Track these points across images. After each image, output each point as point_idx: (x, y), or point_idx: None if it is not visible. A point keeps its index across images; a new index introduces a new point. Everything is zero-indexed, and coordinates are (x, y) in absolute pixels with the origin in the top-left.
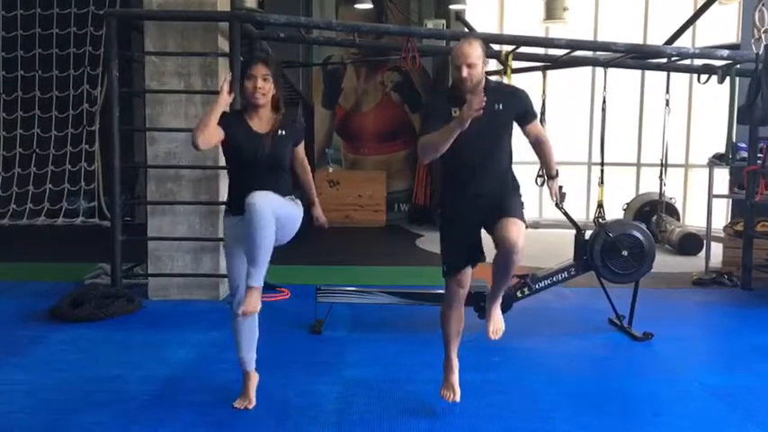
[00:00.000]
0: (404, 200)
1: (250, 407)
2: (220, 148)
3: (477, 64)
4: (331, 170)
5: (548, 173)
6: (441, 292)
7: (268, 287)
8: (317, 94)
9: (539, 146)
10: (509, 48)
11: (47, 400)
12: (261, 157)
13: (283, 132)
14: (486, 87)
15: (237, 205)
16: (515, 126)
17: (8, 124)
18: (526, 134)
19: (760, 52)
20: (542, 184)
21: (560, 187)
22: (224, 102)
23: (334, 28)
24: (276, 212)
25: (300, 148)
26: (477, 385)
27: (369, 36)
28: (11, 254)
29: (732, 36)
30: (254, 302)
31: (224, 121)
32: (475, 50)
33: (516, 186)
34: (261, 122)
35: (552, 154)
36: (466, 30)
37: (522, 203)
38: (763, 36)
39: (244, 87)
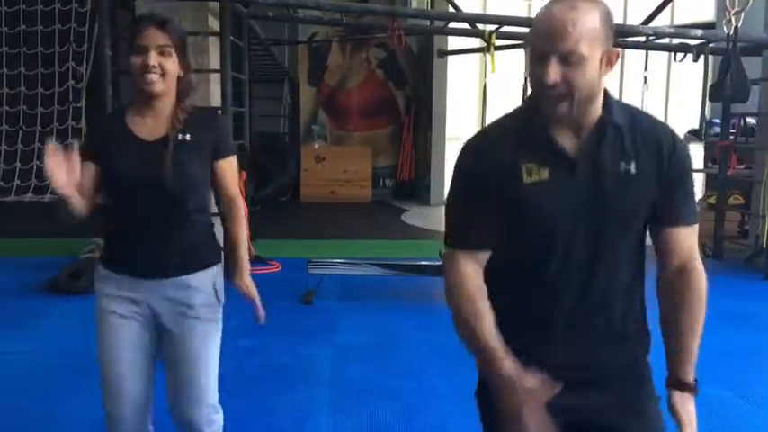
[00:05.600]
0: (389, 175)
1: None
2: None
3: (588, 57)
4: (317, 146)
5: (677, 372)
6: (425, 263)
7: (259, 260)
8: (302, 71)
9: (681, 283)
10: (492, 27)
11: (50, 366)
12: (148, 184)
13: (188, 137)
14: (606, 119)
15: (118, 258)
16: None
17: None
18: (660, 243)
19: (730, 33)
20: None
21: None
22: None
23: (323, 8)
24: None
25: (227, 164)
26: (460, 348)
27: (355, 13)
28: (3, 229)
29: (710, 14)
30: None
31: (93, 139)
32: (583, 22)
33: (651, 379)
34: (155, 123)
35: (703, 318)
36: (450, 8)
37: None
38: (732, 18)
39: (130, 65)
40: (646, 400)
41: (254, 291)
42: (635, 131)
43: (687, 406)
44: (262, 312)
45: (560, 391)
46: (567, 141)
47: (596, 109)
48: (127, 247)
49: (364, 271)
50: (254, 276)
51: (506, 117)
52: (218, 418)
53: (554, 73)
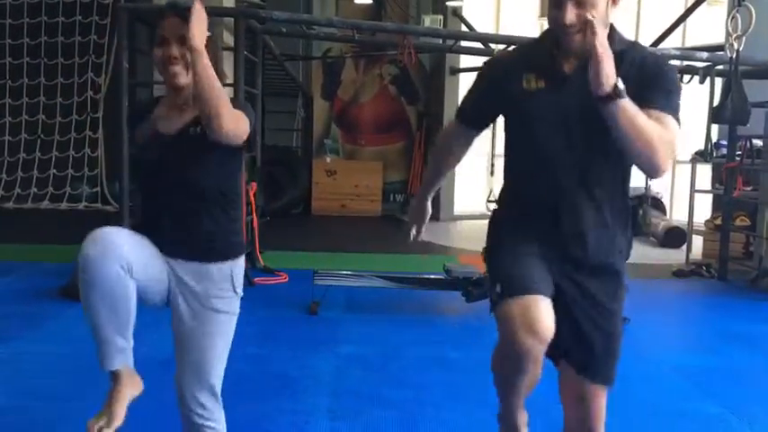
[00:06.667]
0: (399, 190)
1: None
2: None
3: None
4: (329, 160)
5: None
6: (429, 277)
7: (267, 271)
8: (316, 85)
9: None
10: (502, 46)
11: (60, 368)
12: (163, 175)
13: (199, 129)
14: (610, 45)
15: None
16: None
17: (14, 110)
18: None
19: (733, 57)
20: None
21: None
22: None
23: (336, 25)
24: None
25: None
26: (460, 361)
27: (367, 31)
28: (18, 236)
29: (721, 36)
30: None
31: (131, 122)
32: None
33: (622, 279)
34: (177, 115)
35: (646, 129)
36: (463, 27)
37: (622, 326)
38: (734, 42)
39: (154, 59)
40: (617, 299)
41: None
42: (628, 54)
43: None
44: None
45: (561, 259)
46: (568, 65)
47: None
48: (151, 227)
49: (369, 283)
50: (261, 286)
51: (524, 44)
52: (218, 408)
53: (570, 14)
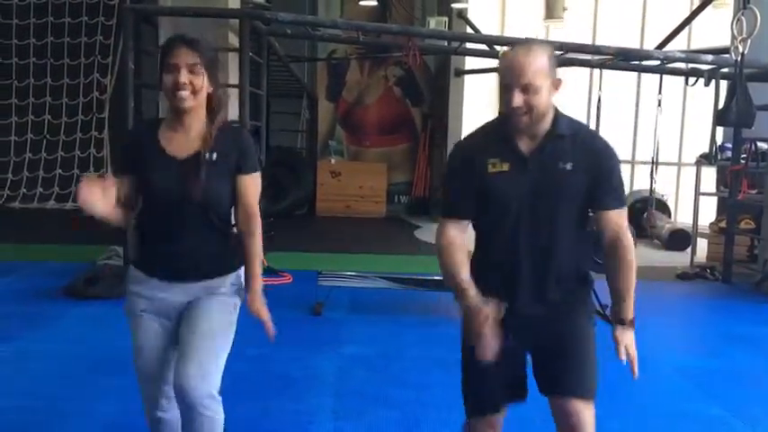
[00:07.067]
0: (404, 191)
1: None
2: None
3: (541, 86)
4: (333, 161)
5: (618, 313)
6: (437, 278)
7: (271, 271)
8: (321, 87)
9: (613, 253)
10: (506, 48)
11: (63, 367)
12: (176, 199)
13: (215, 156)
14: (553, 130)
15: (148, 261)
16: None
17: (20, 110)
18: (596, 223)
19: (738, 59)
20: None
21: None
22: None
23: (340, 27)
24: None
25: (249, 181)
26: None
27: (372, 33)
28: (23, 235)
29: (726, 39)
30: None
31: (127, 153)
32: (535, 62)
33: (590, 308)
34: (185, 138)
35: (633, 276)
36: (468, 29)
37: (594, 350)
38: (739, 45)
39: (162, 84)
40: (582, 316)
41: (265, 313)
42: (575, 139)
43: (625, 335)
44: (272, 331)
45: (524, 324)
46: (524, 145)
47: (547, 122)
48: (156, 253)
49: (373, 284)
50: (266, 287)
51: (484, 125)
52: (217, 406)
53: (517, 99)
